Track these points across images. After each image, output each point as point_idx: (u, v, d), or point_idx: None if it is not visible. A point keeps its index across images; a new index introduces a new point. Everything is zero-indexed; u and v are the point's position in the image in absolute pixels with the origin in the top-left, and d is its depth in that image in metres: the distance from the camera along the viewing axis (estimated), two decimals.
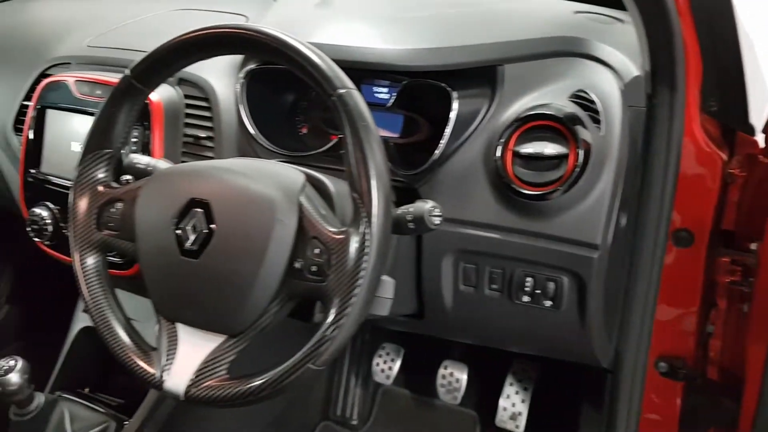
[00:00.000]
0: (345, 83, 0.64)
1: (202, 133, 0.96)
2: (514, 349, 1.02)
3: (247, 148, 0.95)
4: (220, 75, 0.98)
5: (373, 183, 0.61)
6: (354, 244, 0.62)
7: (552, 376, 1.23)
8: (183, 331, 0.69)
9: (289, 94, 1.00)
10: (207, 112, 0.97)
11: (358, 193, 0.62)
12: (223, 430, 1.20)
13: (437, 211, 0.66)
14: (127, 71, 0.73)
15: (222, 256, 0.65)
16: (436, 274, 0.87)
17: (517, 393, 1.21)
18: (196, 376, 0.66)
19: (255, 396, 0.64)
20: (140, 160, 0.81)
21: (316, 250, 0.63)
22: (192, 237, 0.66)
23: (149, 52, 0.72)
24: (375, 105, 0.89)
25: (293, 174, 0.71)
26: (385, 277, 0.68)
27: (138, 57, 1.06)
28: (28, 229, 1.06)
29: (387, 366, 1.33)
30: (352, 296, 0.60)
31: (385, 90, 0.91)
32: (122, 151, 0.82)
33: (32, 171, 1.07)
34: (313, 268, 0.63)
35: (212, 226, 0.65)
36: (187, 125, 0.98)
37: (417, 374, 1.35)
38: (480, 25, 0.90)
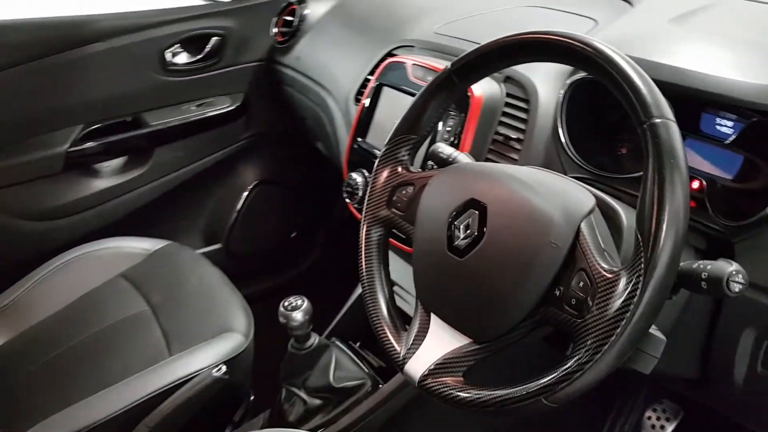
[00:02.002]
0: (663, 112, 0.56)
1: (513, 134, 0.95)
2: None
3: (553, 156, 0.91)
4: (546, 79, 0.95)
5: (664, 229, 0.53)
6: (621, 289, 0.55)
7: None
8: (435, 323, 0.70)
9: (616, 110, 0.93)
10: (524, 114, 0.95)
11: (642, 234, 0.55)
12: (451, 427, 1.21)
13: (741, 278, 0.56)
14: (449, 64, 0.75)
15: (485, 262, 0.64)
16: (731, 346, 0.74)
17: None
18: (434, 369, 0.68)
19: (479, 408, 0.63)
20: (444, 150, 0.83)
21: (581, 283, 0.58)
22: (462, 235, 0.66)
23: (472, 49, 0.72)
24: (712, 138, 0.78)
25: (582, 196, 0.66)
26: (656, 333, 0.60)
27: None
28: (343, 189, 1.18)
29: (659, 423, 1.19)
30: (606, 343, 0.54)
31: (729, 123, 0.79)
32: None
33: (359, 139, 1.19)
34: (573, 301, 0.58)
35: (484, 229, 0.64)
36: (501, 123, 0.98)
37: None
38: None
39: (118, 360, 1.14)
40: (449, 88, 0.76)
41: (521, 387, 0.60)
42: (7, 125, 1.39)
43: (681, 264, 0.61)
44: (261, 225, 1.91)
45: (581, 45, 0.61)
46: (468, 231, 0.66)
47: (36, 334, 1.25)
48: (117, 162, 1.58)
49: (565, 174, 0.85)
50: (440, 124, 1.01)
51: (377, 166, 0.82)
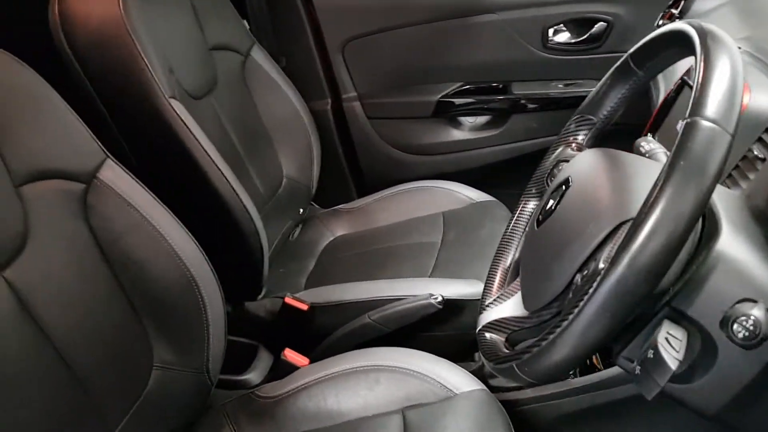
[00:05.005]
0: (717, 119, 0.48)
1: (761, 154, 0.80)
2: None
3: None
4: None
5: (645, 231, 0.47)
6: (585, 277, 0.51)
7: None
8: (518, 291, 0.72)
9: None
10: None
11: (631, 226, 0.49)
12: None
13: (749, 323, 0.47)
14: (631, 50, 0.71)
15: (546, 236, 0.65)
16: None
17: None
18: (490, 324, 0.73)
19: (487, 360, 0.68)
20: (644, 145, 0.79)
21: (586, 272, 0.55)
22: (547, 207, 0.67)
23: None
24: None
25: None
26: (668, 360, 0.52)
27: None
28: None
29: None
30: (557, 328, 0.52)
31: None
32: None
33: (648, 135, 1.12)
34: (575, 287, 0.55)
35: (558, 205, 0.64)
36: (759, 140, 0.83)
37: None
38: None
39: (395, 267, 1.40)
40: (626, 74, 0.73)
41: (507, 353, 0.61)
42: (403, 70, 1.74)
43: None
44: None
45: (696, 30, 0.55)
46: (550, 204, 0.66)
47: (365, 233, 1.60)
48: (477, 119, 1.80)
49: None
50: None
51: (558, 139, 0.83)
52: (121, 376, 0.92)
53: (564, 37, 1.68)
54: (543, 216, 0.68)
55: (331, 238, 1.63)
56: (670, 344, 0.53)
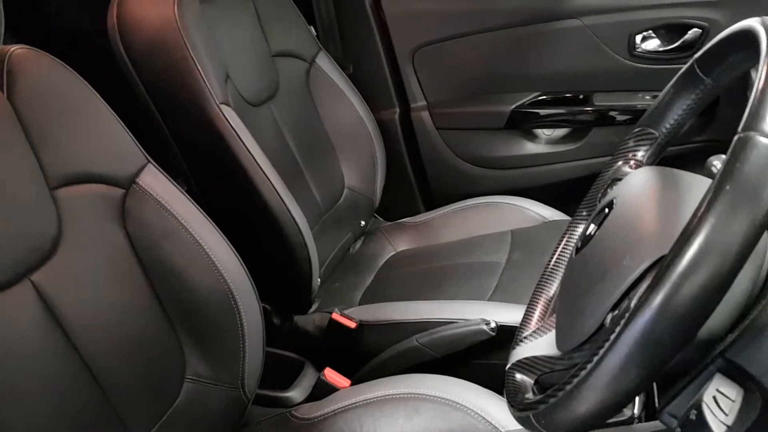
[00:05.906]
0: None
1: None
2: None
3: None
4: None
5: (683, 263, 0.38)
6: (615, 318, 0.45)
7: None
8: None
9: None
10: None
11: (666, 261, 0.40)
12: None
13: None
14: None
15: (584, 265, 0.55)
16: None
17: None
18: (521, 362, 0.64)
19: (509, 404, 0.59)
20: (717, 164, 0.68)
21: (617, 311, 0.46)
22: (587, 232, 0.58)
23: None
24: None
25: None
26: (714, 426, 0.42)
27: None
28: None
29: None
30: (575, 378, 0.44)
31: None
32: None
33: None
34: (603, 328, 0.47)
35: (598, 230, 0.55)
36: None
37: None
38: None
39: (453, 287, 1.31)
40: (693, 82, 0.63)
41: (527, 400, 0.53)
42: (475, 79, 1.65)
43: None
44: None
45: (765, 28, 0.45)
46: (591, 228, 0.58)
47: (428, 248, 1.53)
48: (555, 132, 1.68)
49: None
50: None
51: (612, 157, 0.73)
52: (149, 387, 0.90)
53: (653, 44, 1.54)
54: (582, 243, 0.59)
55: (393, 253, 1.57)
56: (718, 405, 0.44)
